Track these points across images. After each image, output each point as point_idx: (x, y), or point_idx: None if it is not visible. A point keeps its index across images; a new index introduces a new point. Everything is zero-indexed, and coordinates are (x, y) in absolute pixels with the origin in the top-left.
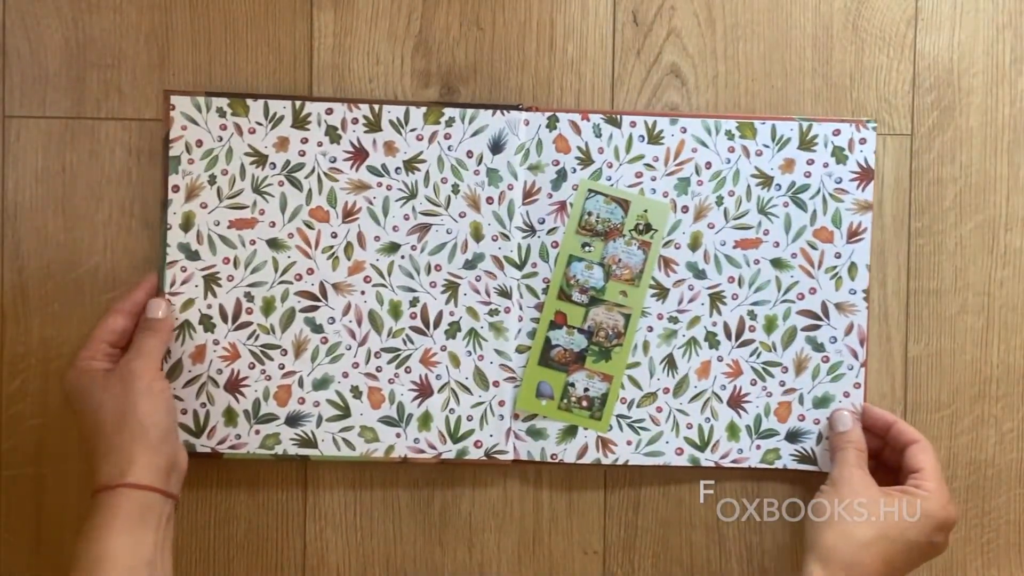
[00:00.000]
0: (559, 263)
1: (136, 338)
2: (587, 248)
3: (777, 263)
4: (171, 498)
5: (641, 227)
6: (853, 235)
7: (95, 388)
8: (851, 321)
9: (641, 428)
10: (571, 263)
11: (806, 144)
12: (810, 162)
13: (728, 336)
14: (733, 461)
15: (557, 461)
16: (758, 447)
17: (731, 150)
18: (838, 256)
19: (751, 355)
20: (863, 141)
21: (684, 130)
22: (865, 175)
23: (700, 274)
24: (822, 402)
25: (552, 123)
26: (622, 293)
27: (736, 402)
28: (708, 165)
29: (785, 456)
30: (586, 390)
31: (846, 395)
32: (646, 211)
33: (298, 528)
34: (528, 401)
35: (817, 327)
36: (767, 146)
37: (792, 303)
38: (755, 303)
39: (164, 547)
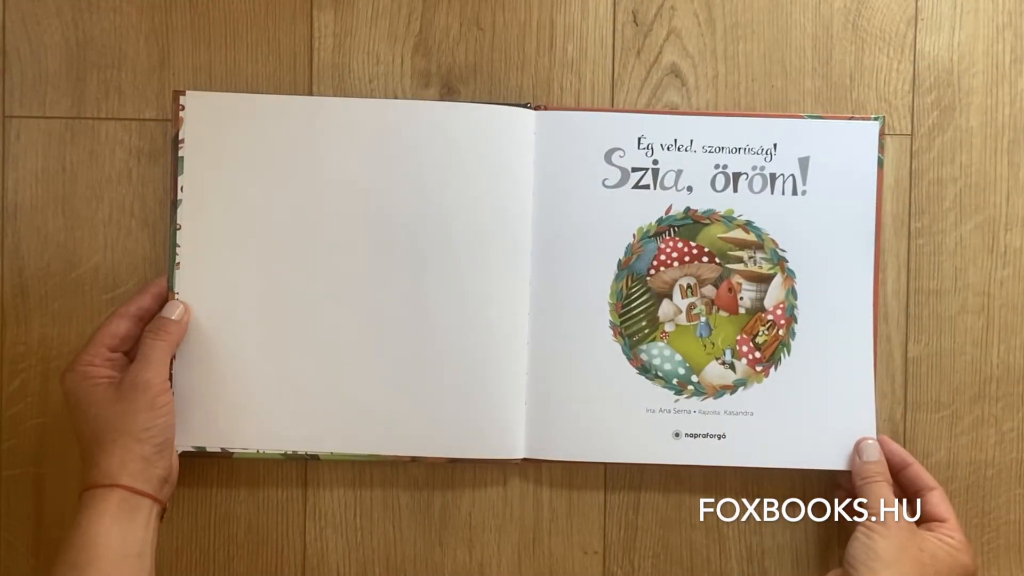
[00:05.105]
0: None
1: (146, 344)
2: None
3: None
4: (160, 504)
5: None
6: None
7: (94, 401)
8: None
9: None
10: None
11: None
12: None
13: None
14: None
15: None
16: None
17: None
18: None
19: None
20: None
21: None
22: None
23: None
24: None
25: None
26: None
27: None
28: None
29: None
30: None
31: None
32: None
33: (298, 528)
34: None
35: None
36: None
37: None
38: None
39: (151, 549)
